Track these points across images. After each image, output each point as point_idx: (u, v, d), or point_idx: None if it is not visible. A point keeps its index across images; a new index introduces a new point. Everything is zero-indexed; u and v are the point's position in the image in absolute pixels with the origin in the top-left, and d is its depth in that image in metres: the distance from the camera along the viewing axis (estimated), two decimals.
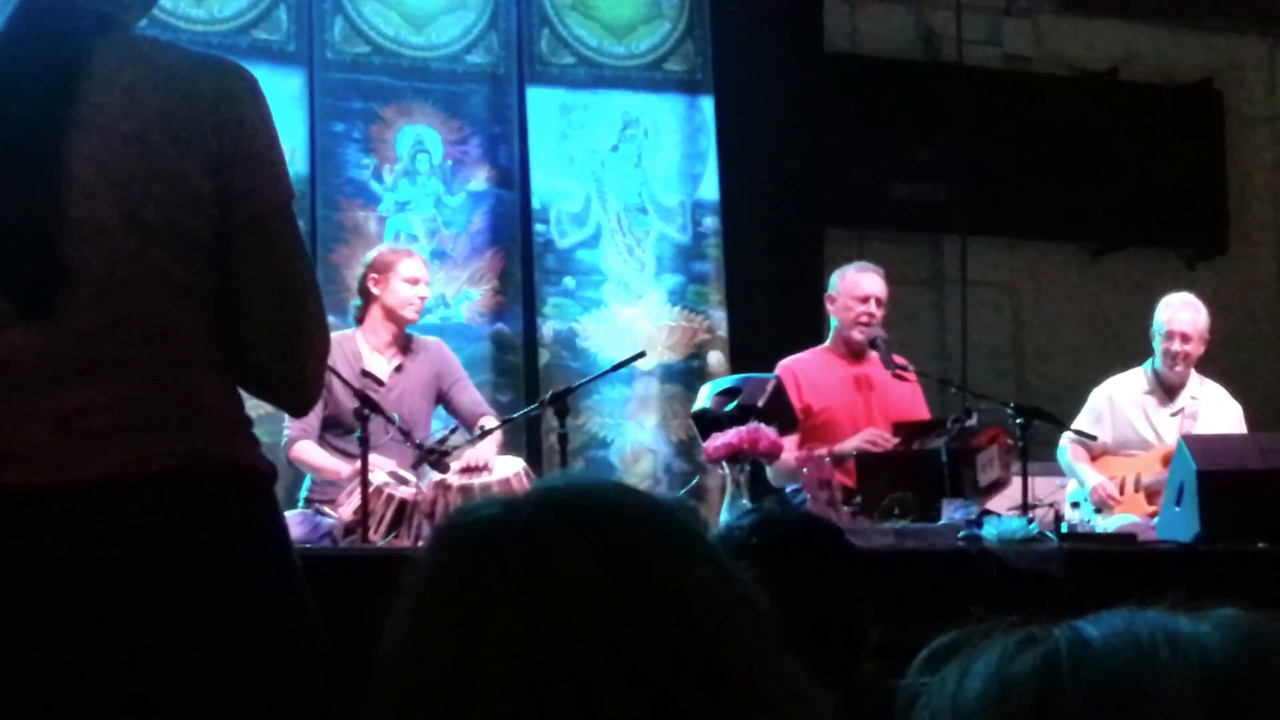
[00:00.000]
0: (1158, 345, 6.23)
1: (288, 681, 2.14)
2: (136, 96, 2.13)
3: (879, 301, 5.97)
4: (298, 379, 2.26)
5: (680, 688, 1.04)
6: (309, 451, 5.46)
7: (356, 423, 4.95)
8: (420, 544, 3.04)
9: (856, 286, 5.98)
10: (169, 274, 2.14)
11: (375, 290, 5.57)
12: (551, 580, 1.07)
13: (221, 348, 2.21)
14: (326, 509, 5.26)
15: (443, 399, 5.66)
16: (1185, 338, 6.15)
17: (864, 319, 5.93)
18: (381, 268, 5.58)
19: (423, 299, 5.63)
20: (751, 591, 1.14)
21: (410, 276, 5.57)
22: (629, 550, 1.09)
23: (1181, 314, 6.18)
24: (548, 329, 7.28)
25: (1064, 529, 5.26)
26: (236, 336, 2.21)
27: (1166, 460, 5.70)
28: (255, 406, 7.19)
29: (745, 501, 4.94)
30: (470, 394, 5.71)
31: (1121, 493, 6.11)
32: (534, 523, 1.10)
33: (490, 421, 5.48)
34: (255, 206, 2.16)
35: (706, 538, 1.15)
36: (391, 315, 5.57)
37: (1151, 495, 5.93)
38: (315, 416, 5.47)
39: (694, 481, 6.51)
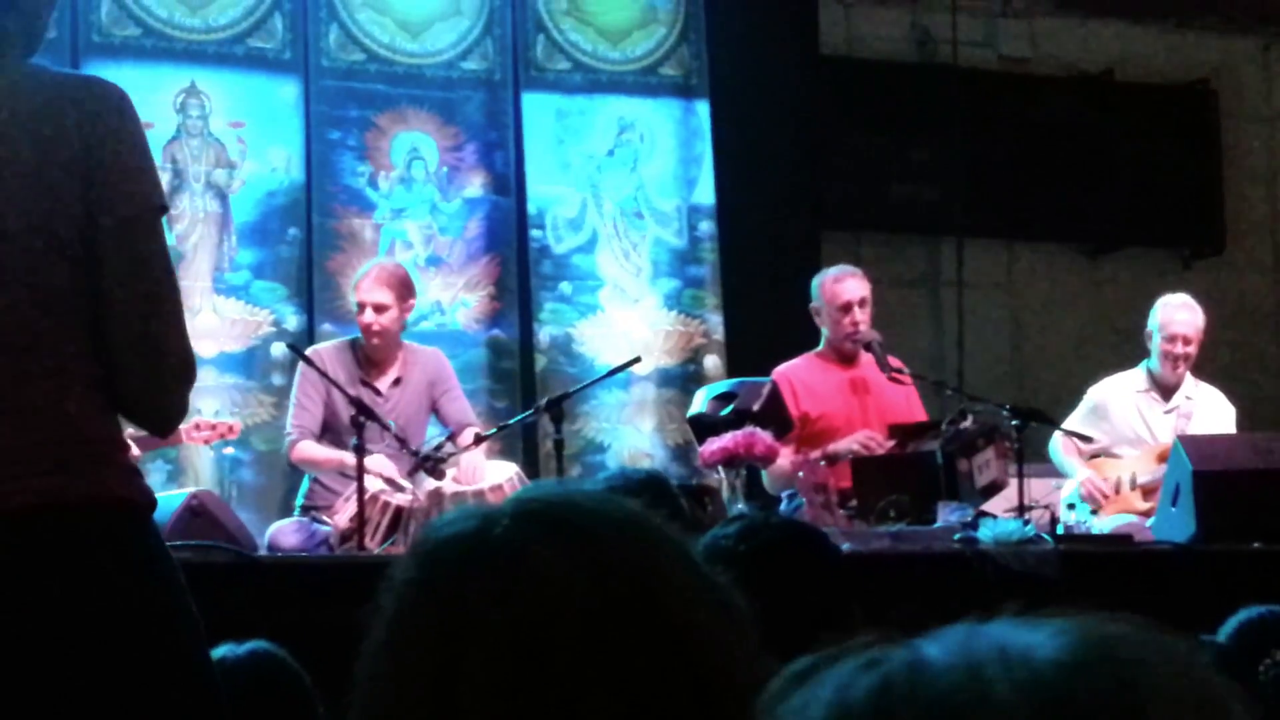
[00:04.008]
0: (1155, 346, 6.23)
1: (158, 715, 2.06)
2: (3, 115, 2.12)
3: (863, 304, 5.86)
4: (158, 392, 2.19)
5: (662, 692, 1.05)
6: (311, 450, 5.48)
7: (353, 429, 4.97)
8: None
9: (836, 297, 5.86)
10: (43, 286, 2.11)
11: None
12: (531, 591, 1.07)
13: (98, 364, 2.14)
14: (323, 516, 5.27)
15: (433, 407, 5.68)
16: (1187, 340, 6.16)
17: (850, 328, 5.84)
18: (353, 288, 5.63)
19: (372, 323, 5.50)
20: (729, 595, 1.14)
21: (360, 300, 5.54)
22: (607, 558, 1.09)
23: (1180, 315, 6.19)
24: (544, 334, 7.28)
25: (1060, 531, 5.26)
26: (105, 349, 2.15)
27: (1161, 457, 5.71)
28: (253, 415, 7.16)
29: (741, 505, 4.95)
30: (458, 404, 5.72)
31: (1117, 492, 6.11)
32: (511, 534, 1.10)
33: (470, 433, 5.46)
34: (120, 211, 2.13)
35: (682, 542, 1.15)
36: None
37: (1148, 493, 5.92)
38: (314, 420, 5.49)
39: (691, 485, 6.50)
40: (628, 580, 1.08)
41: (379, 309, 5.49)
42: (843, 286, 5.89)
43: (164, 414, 2.24)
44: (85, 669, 2.02)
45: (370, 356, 5.57)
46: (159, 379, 2.17)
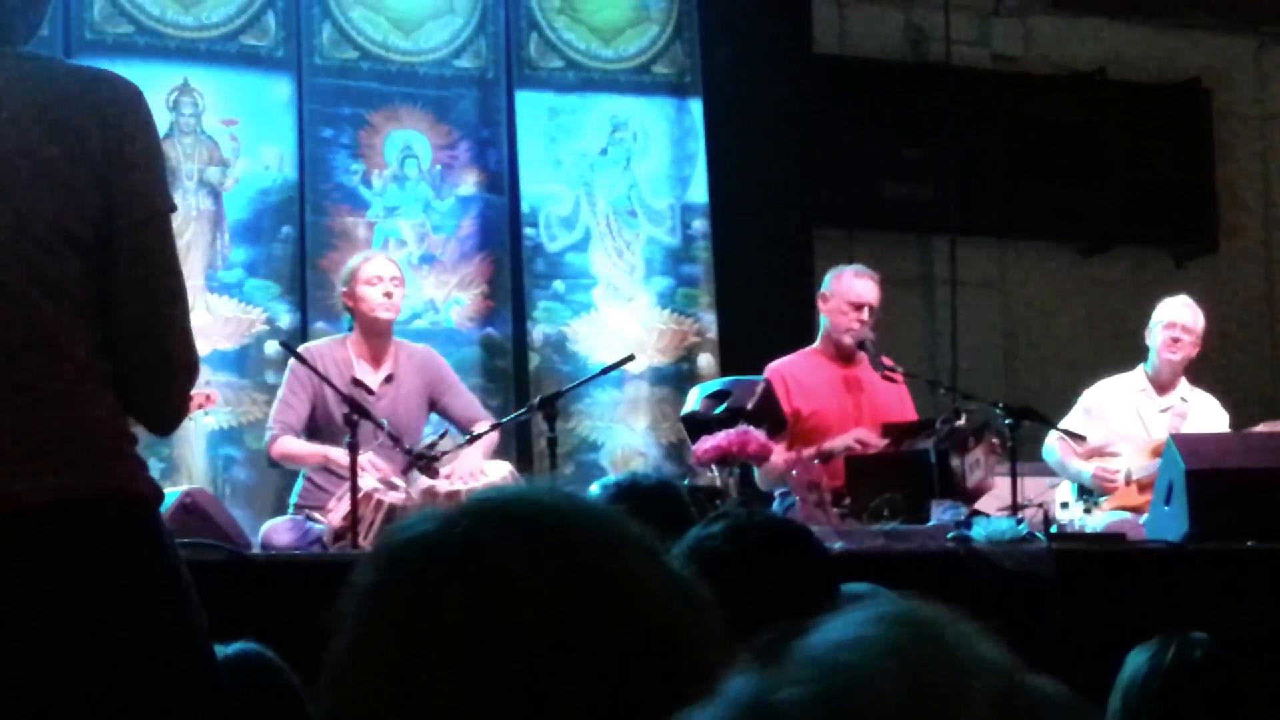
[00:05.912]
0: (1155, 340, 6.27)
1: (170, 713, 2.09)
2: (22, 107, 2.13)
3: (871, 309, 5.91)
4: (160, 390, 2.22)
5: (630, 684, 1.04)
6: (291, 445, 5.44)
7: (346, 428, 4.95)
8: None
9: (850, 292, 5.90)
10: (57, 282, 2.12)
11: (349, 304, 5.57)
12: (494, 590, 1.06)
13: (108, 360, 2.17)
14: (316, 515, 5.26)
15: (437, 408, 5.65)
16: (1186, 329, 6.22)
17: (854, 325, 5.87)
18: (348, 279, 5.58)
19: (389, 295, 5.49)
20: (692, 586, 1.14)
21: (368, 278, 5.50)
22: (569, 554, 1.08)
23: (1181, 310, 6.29)
24: (537, 333, 7.28)
25: (1053, 529, 5.26)
26: (112, 347, 2.18)
27: (1156, 452, 5.73)
28: (244, 413, 7.11)
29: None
30: (464, 400, 5.70)
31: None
32: (471, 534, 1.09)
33: (481, 426, 5.46)
34: (136, 212, 2.15)
35: (644, 535, 1.14)
36: (369, 325, 5.53)
37: (1143, 487, 5.94)
38: (298, 418, 5.45)
39: (684, 484, 6.50)
40: (590, 575, 1.07)
41: (396, 280, 5.52)
42: (862, 285, 5.93)
43: (164, 414, 2.27)
44: (105, 659, 2.05)
45: (368, 346, 5.55)
46: (161, 379, 2.20)
